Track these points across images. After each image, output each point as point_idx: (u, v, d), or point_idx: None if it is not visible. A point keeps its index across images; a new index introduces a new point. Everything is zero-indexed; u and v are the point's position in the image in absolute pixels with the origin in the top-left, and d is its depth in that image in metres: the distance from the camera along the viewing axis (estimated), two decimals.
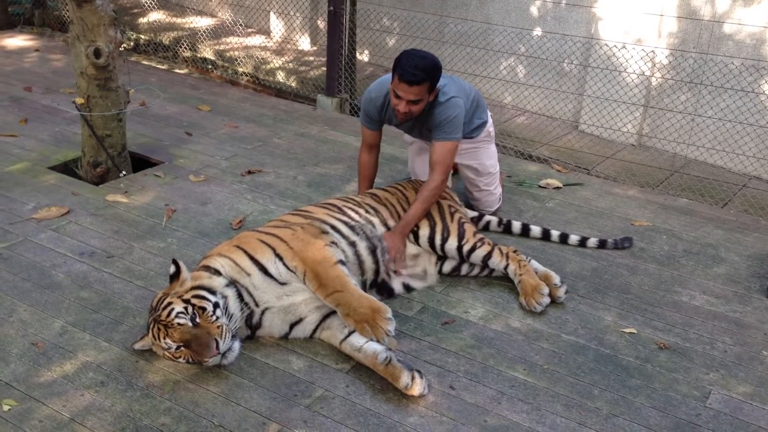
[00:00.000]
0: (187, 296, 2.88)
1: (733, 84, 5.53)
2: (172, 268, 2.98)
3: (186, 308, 2.83)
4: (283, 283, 3.09)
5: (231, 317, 2.93)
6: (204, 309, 2.84)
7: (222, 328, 2.82)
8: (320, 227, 3.30)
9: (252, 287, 3.05)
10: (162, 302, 2.89)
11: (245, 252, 3.12)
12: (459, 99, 3.74)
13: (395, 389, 2.85)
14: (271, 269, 3.08)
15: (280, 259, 3.10)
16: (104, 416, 2.69)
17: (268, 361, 3.03)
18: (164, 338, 2.82)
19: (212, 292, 2.92)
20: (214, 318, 2.83)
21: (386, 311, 2.98)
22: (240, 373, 2.95)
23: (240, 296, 3.01)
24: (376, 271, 3.42)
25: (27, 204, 4.24)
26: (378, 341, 2.94)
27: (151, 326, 2.88)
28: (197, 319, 2.82)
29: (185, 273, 2.97)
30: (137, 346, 2.98)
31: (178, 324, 2.80)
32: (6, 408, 2.70)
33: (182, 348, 2.80)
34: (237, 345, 2.89)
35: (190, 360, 2.84)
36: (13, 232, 3.92)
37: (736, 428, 2.78)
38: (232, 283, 3.02)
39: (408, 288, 3.55)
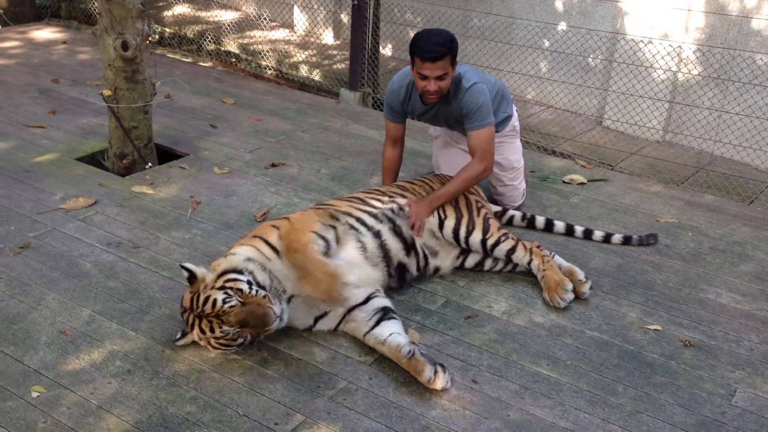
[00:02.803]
0: (219, 284, 2.89)
1: (761, 80, 5.46)
2: (185, 273, 2.97)
3: (227, 293, 2.86)
4: None
5: (264, 287, 2.96)
6: (241, 290, 2.86)
7: (268, 297, 2.87)
8: (332, 213, 3.31)
9: (277, 271, 3.05)
10: (198, 299, 2.89)
11: (262, 239, 3.14)
12: (482, 84, 3.74)
13: (418, 382, 2.85)
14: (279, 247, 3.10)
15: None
16: (131, 404, 2.73)
17: (292, 352, 3.05)
18: (219, 328, 2.83)
19: (239, 272, 2.94)
20: (254, 292, 2.86)
21: (340, 278, 2.93)
22: (264, 364, 2.97)
23: (267, 274, 3.03)
24: (405, 243, 3.44)
25: (55, 194, 4.29)
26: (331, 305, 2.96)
27: (196, 323, 2.88)
28: (240, 299, 2.85)
29: (198, 271, 2.96)
30: (180, 342, 3.00)
31: (230, 308, 2.82)
32: (35, 395, 2.75)
33: (239, 329, 2.83)
34: (285, 305, 2.94)
35: (249, 338, 2.88)
36: (41, 222, 3.97)
37: (762, 427, 2.76)
38: (251, 259, 3.04)
39: (425, 257, 3.55)
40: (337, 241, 3.22)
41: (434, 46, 3.51)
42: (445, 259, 3.63)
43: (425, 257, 3.55)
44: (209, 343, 2.91)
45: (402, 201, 3.57)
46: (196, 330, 2.90)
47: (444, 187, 3.63)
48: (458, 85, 3.72)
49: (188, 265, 2.97)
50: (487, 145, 3.73)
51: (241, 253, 3.05)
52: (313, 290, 2.94)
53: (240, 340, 2.87)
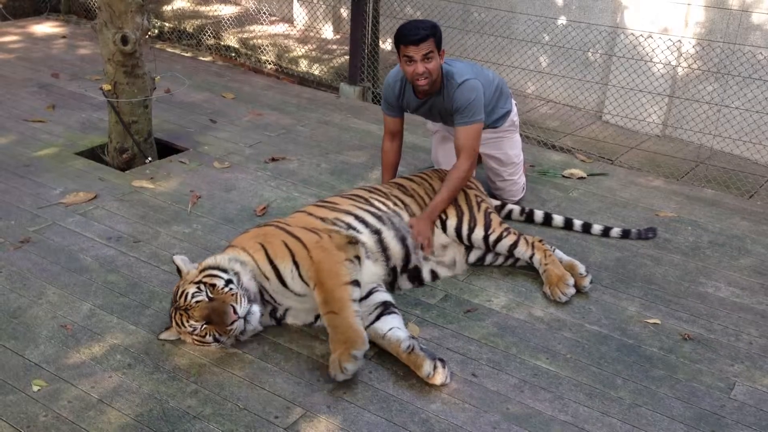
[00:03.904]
0: (197, 278, 2.94)
1: (761, 74, 5.45)
2: (175, 266, 3.05)
3: (199, 287, 2.89)
4: (298, 294, 3.07)
5: (246, 290, 2.95)
6: (215, 285, 2.89)
7: (236, 295, 2.87)
8: (347, 236, 3.19)
9: (271, 291, 3.07)
10: (178, 292, 2.96)
11: (266, 254, 3.07)
12: (475, 80, 3.74)
13: (418, 376, 2.86)
14: (287, 278, 3.04)
15: (297, 267, 3.03)
16: (132, 398, 2.74)
17: (292, 346, 3.06)
18: (187, 321, 2.86)
19: (223, 270, 2.96)
20: (227, 289, 2.88)
21: (356, 347, 2.79)
22: (264, 358, 2.98)
23: (261, 293, 3.06)
24: (406, 258, 3.42)
25: (55, 189, 4.30)
26: (333, 374, 2.82)
27: (173, 315, 2.94)
28: (210, 294, 2.87)
29: (183, 266, 3.02)
30: (163, 336, 3.03)
31: (196, 303, 2.86)
32: (36, 388, 2.76)
33: (206, 325, 2.85)
34: (256, 308, 2.93)
35: (218, 336, 2.88)
36: (42, 217, 3.98)
37: (761, 420, 2.77)
38: (243, 263, 3.03)
39: (434, 275, 3.55)
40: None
41: (415, 30, 3.57)
42: (457, 265, 3.64)
43: (434, 274, 3.55)
44: (187, 338, 2.94)
45: (404, 215, 3.54)
46: (174, 323, 2.94)
47: (438, 196, 3.61)
48: (451, 79, 3.73)
49: (177, 260, 3.04)
50: (473, 142, 3.74)
51: (235, 257, 3.06)
52: (331, 344, 2.88)
53: (209, 338, 2.88)
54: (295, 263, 3.04)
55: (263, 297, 3.06)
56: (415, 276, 3.48)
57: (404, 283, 3.46)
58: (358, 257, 3.12)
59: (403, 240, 3.41)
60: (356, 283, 3.02)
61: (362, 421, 2.68)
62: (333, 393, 2.81)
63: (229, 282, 2.91)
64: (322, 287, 2.96)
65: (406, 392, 2.82)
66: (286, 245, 3.09)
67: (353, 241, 3.16)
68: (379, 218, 3.41)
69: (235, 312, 2.83)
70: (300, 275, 3.03)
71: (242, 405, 2.73)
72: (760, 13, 5.48)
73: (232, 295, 2.86)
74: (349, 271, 3.02)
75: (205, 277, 2.93)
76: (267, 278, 3.05)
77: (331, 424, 2.66)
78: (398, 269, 3.41)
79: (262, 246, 3.10)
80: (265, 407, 2.72)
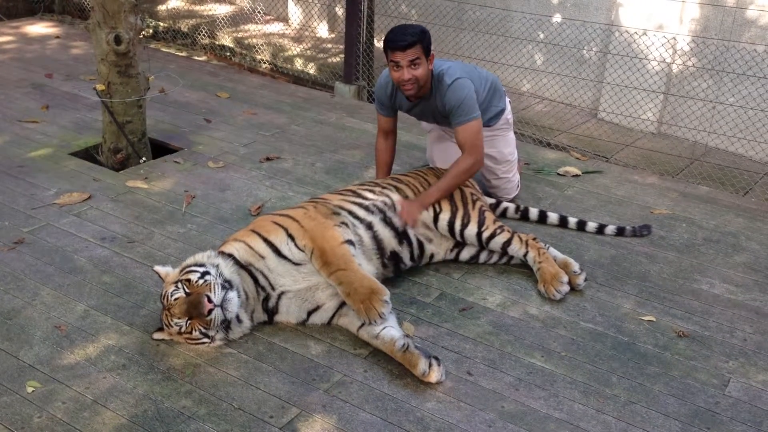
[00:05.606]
0: (177, 278, 2.97)
1: (756, 71, 5.46)
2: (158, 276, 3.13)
3: (177, 285, 2.92)
4: (297, 264, 3.12)
5: (228, 281, 2.97)
6: (190, 280, 2.91)
7: (210, 285, 2.88)
8: (331, 208, 3.34)
9: (267, 270, 3.09)
10: (161, 294, 2.99)
11: (259, 235, 3.17)
12: (465, 79, 3.74)
13: (413, 375, 2.86)
14: (284, 250, 3.12)
15: (292, 239, 3.14)
16: (126, 398, 2.73)
17: (287, 345, 3.06)
18: (171, 320, 2.89)
19: (200, 265, 2.99)
20: (202, 281, 2.90)
21: (383, 293, 2.98)
22: (259, 358, 2.98)
23: (254, 279, 3.08)
24: (395, 229, 3.46)
25: (49, 189, 4.29)
26: (370, 322, 2.96)
27: (162, 318, 2.96)
28: (187, 289, 2.89)
29: (162, 271, 3.09)
30: (156, 335, 3.04)
31: (174, 300, 2.88)
32: (30, 390, 2.75)
33: (189, 321, 2.87)
34: (232, 294, 2.93)
35: (204, 330, 2.89)
36: (35, 217, 3.97)
37: (755, 416, 2.77)
38: (228, 255, 3.08)
39: (420, 244, 3.54)
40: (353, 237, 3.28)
41: (402, 36, 3.57)
42: (440, 246, 3.63)
43: (420, 244, 3.55)
44: (178, 338, 2.97)
45: (394, 196, 3.57)
46: (164, 325, 2.97)
47: (435, 184, 3.63)
48: (441, 81, 3.73)
49: (157, 268, 3.11)
50: (474, 139, 3.73)
51: (220, 251, 3.12)
52: (357, 305, 2.97)
53: (197, 334, 2.90)
54: (290, 236, 3.14)
55: (258, 283, 3.08)
56: (404, 236, 3.48)
57: (405, 253, 3.48)
58: (345, 224, 3.25)
59: (389, 222, 3.44)
60: (351, 242, 3.18)
61: (357, 420, 2.68)
62: (328, 392, 2.80)
63: (204, 274, 2.93)
64: (322, 250, 3.06)
65: (401, 391, 2.82)
66: (277, 223, 3.21)
67: (337, 212, 3.30)
68: (366, 209, 3.44)
69: (209, 300, 2.84)
70: (296, 245, 3.12)
71: (237, 405, 2.73)
72: (755, 10, 5.49)
73: (207, 285, 2.89)
74: (343, 233, 3.17)
75: (182, 275, 2.96)
76: (263, 257, 3.10)
77: (326, 424, 2.66)
78: (396, 244, 3.44)
79: (254, 231, 3.20)
80: (260, 407, 2.72)
